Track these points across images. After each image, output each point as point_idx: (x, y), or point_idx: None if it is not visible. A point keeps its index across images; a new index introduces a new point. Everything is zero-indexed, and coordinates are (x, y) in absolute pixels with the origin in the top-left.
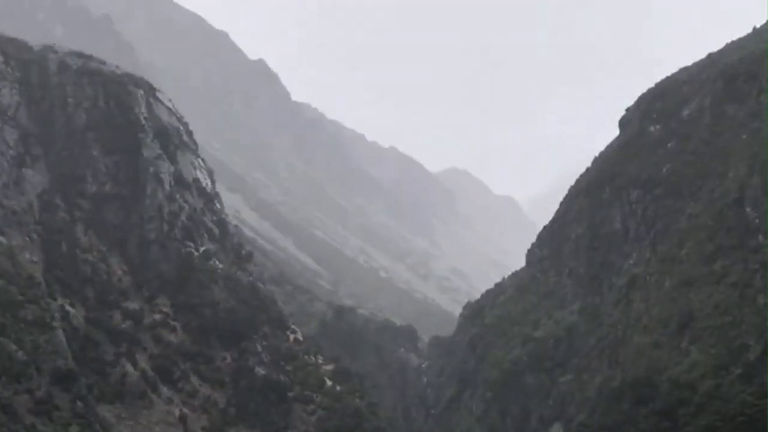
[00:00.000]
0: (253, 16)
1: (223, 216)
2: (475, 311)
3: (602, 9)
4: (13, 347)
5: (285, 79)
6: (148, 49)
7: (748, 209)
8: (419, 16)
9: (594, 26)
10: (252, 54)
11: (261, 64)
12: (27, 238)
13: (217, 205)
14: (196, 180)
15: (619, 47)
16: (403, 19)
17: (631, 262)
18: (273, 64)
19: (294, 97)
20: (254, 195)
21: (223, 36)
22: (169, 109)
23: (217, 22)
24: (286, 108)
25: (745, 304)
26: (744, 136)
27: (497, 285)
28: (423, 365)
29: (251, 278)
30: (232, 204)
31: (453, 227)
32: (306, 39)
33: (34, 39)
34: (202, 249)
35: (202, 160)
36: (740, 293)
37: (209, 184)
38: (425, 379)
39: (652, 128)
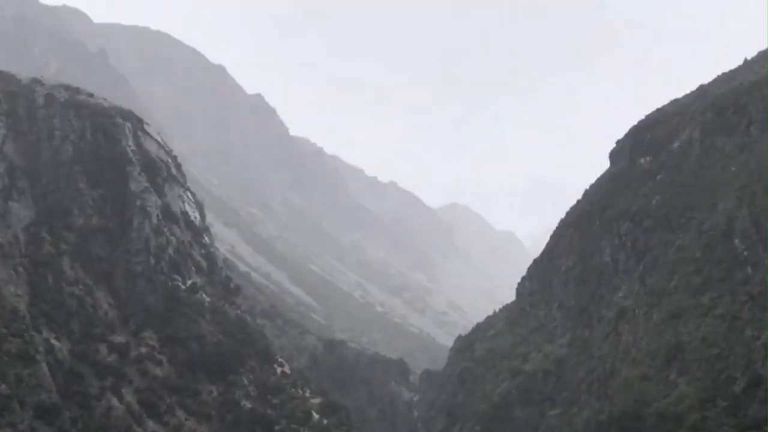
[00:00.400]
0: (252, 49)
1: (212, 249)
2: (465, 345)
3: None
4: None
5: (283, 114)
6: (145, 83)
7: (736, 241)
8: (423, 51)
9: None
10: (250, 88)
11: (258, 98)
12: (12, 272)
13: (206, 239)
14: (185, 213)
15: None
16: (406, 56)
17: (621, 294)
18: (271, 99)
19: (293, 132)
20: (250, 230)
21: (220, 70)
22: (157, 142)
23: (214, 56)
24: (283, 143)
25: (733, 336)
26: (733, 168)
27: (488, 318)
28: (414, 399)
29: (239, 312)
30: (227, 239)
31: (452, 262)
32: (305, 72)
33: (29, 73)
34: (189, 282)
35: (191, 193)
36: (728, 325)
37: (198, 217)
38: (416, 413)
39: (642, 160)
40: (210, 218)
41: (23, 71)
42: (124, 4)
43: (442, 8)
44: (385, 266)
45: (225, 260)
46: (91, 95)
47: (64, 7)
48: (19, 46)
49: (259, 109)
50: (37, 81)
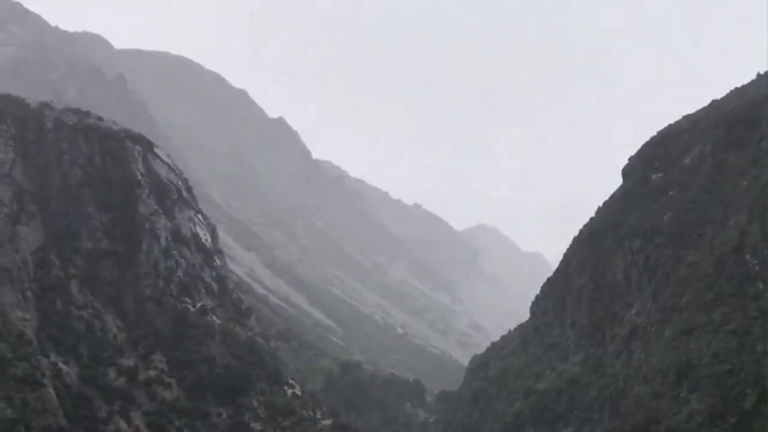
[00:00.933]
0: (273, 73)
1: (224, 272)
2: (480, 364)
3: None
4: (2, 405)
5: (306, 137)
6: (165, 108)
7: (747, 256)
8: (451, 76)
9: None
10: (272, 112)
11: (281, 121)
12: (20, 296)
13: (217, 261)
14: (195, 236)
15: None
16: (432, 82)
17: (633, 312)
18: (293, 122)
19: (316, 155)
20: (270, 253)
21: (242, 94)
22: (168, 165)
23: (236, 80)
24: (306, 166)
25: (744, 352)
26: (745, 183)
27: (503, 337)
28: (430, 420)
29: (251, 334)
30: (246, 262)
31: (477, 284)
32: (329, 96)
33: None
34: (198, 304)
35: (203, 216)
36: (739, 341)
37: (209, 239)
38: None
39: (654, 177)
40: (229, 242)
41: (41, 98)
42: (146, 29)
43: (453, 24)
44: (407, 288)
45: (240, 283)
46: (101, 119)
47: (84, 34)
48: (38, 72)
49: (281, 132)
50: (46, 105)
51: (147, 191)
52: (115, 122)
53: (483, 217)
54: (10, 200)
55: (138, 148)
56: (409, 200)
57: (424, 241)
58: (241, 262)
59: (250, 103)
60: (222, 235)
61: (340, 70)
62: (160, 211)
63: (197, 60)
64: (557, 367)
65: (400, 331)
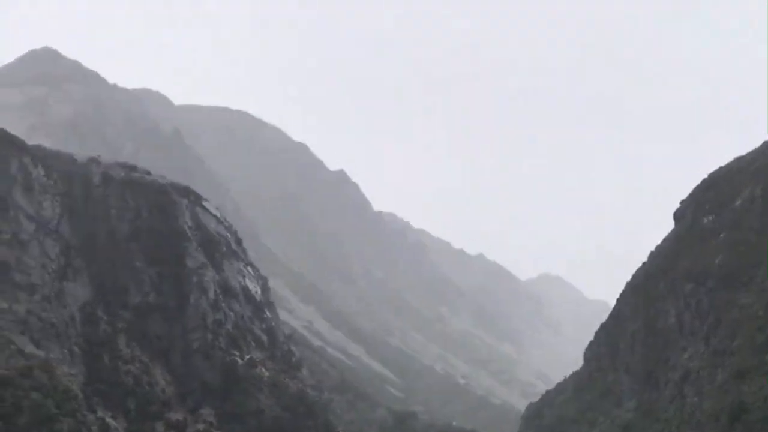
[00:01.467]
0: (334, 127)
1: (274, 324)
2: (534, 412)
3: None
4: None
5: (367, 189)
6: (225, 163)
7: None
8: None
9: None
10: (332, 164)
11: (341, 174)
12: (67, 351)
13: (267, 313)
14: (245, 288)
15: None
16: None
17: (686, 356)
18: (354, 174)
19: (377, 206)
20: (329, 305)
21: (302, 148)
22: (216, 217)
23: (296, 133)
24: (366, 217)
25: None
26: None
27: (558, 385)
28: None
29: (301, 386)
30: (304, 314)
31: (542, 333)
32: (391, 148)
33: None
34: (247, 357)
35: (253, 268)
36: None
37: (259, 292)
38: None
39: (705, 219)
40: (287, 294)
41: (97, 154)
42: (206, 85)
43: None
44: (469, 338)
45: (293, 335)
46: (148, 173)
47: (143, 90)
48: (94, 129)
49: (342, 184)
50: (93, 160)
51: (195, 244)
52: (162, 176)
53: (547, 266)
54: (57, 256)
55: (185, 201)
56: (471, 250)
57: (487, 291)
58: (299, 315)
59: (310, 156)
60: (280, 288)
61: (401, 123)
62: (209, 264)
63: (257, 114)
64: (611, 413)
65: (461, 381)
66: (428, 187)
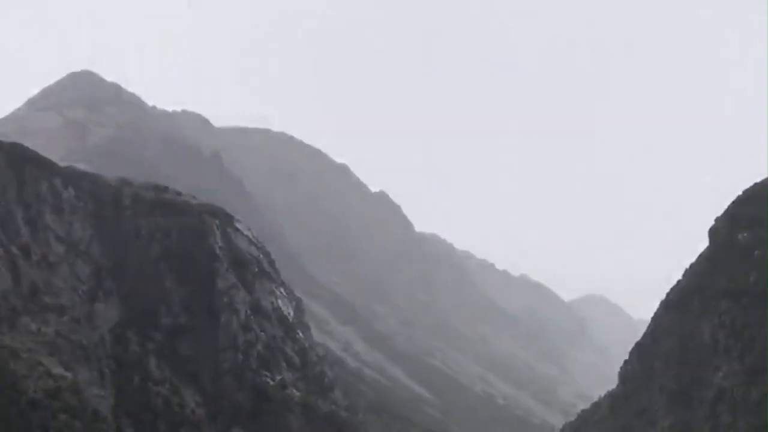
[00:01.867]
0: (375, 146)
1: (307, 345)
2: (569, 431)
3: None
4: None
5: (409, 210)
6: (265, 185)
7: None
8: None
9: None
10: (374, 186)
11: (383, 195)
12: (97, 373)
13: (300, 334)
14: (277, 309)
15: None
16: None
17: (720, 374)
18: (396, 195)
19: (420, 227)
20: (369, 326)
21: (343, 169)
22: (248, 238)
23: (338, 155)
24: (409, 239)
25: None
26: None
27: (593, 404)
28: None
29: (333, 407)
30: (342, 336)
31: (586, 354)
32: (435, 166)
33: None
34: (278, 378)
35: (285, 289)
36: None
37: (291, 313)
38: None
39: (740, 236)
40: (326, 316)
41: (137, 177)
42: (246, 107)
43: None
44: (512, 359)
45: (329, 356)
46: (179, 194)
47: (183, 113)
48: (133, 151)
49: (384, 205)
50: (124, 181)
51: (225, 265)
52: (193, 196)
53: (590, 286)
54: (88, 277)
55: (216, 222)
56: (515, 271)
57: (531, 312)
58: (338, 337)
59: (351, 177)
60: (319, 310)
61: (441, 140)
62: (239, 285)
63: (299, 136)
64: None
65: (501, 402)
66: (473, 207)
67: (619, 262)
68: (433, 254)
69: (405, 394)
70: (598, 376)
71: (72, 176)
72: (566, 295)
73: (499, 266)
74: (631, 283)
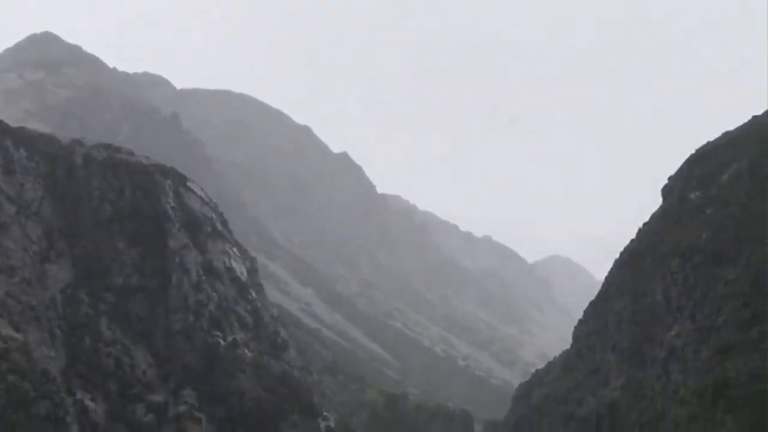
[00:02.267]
0: (338, 107)
1: (260, 305)
2: (524, 392)
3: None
4: None
5: (371, 171)
6: (226, 146)
7: None
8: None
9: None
10: (336, 147)
11: (344, 156)
12: (47, 334)
13: (253, 294)
14: (230, 269)
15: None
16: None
17: (672, 333)
18: (358, 156)
19: (382, 189)
20: (330, 288)
21: (305, 130)
22: (201, 198)
23: (300, 116)
24: (370, 200)
25: None
26: None
27: (548, 364)
28: None
29: (286, 367)
30: (302, 297)
31: (549, 315)
32: (396, 126)
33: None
34: (230, 338)
35: (240, 248)
36: None
37: (245, 273)
38: None
39: (692, 195)
40: (286, 277)
41: (95, 138)
42: (208, 69)
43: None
44: (474, 321)
45: (287, 317)
46: (132, 153)
47: (144, 74)
48: (92, 114)
49: (346, 166)
50: (77, 141)
51: (177, 225)
52: (146, 156)
53: (556, 248)
54: (39, 238)
55: (169, 182)
56: (479, 232)
57: (495, 274)
58: (297, 298)
59: (313, 137)
60: (279, 271)
61: (407, 101)
62: (191, 245)
63: (260, 97)
64: (598, 392)
65: (461, 363)
66: (435, 169)
67: (585, 222)
68: (396, 215)
69: (364, 355)
70: (561, 336)
71: (24, 137)
72: (530, 256)
73: (463, 227)
74: (596, 244)
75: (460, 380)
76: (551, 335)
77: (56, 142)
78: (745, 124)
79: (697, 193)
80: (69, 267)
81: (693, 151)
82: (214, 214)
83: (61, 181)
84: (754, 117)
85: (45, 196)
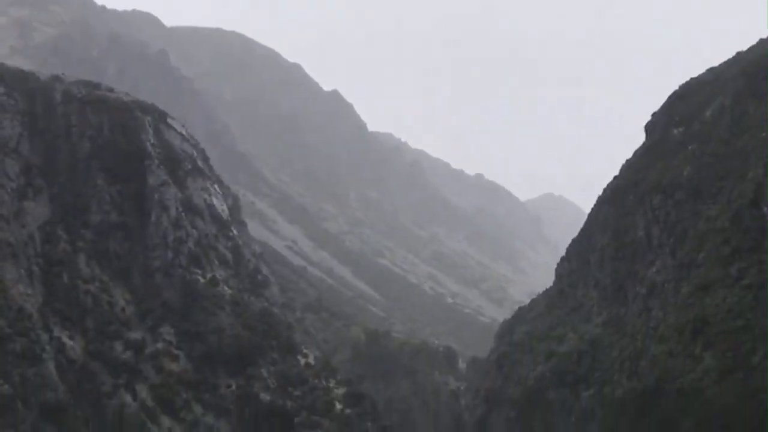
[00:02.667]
0: (328, 46)
1: (240, 242)
2: (506, 329)
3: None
4: None
5: (364, 109)
6: (217, 84)
7: (765, 209)
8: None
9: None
10: (327, 85)
11: (335, 94)
12: (23, 271)
13: (234, 231)
14: (210, 206)
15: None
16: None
17: (654, 269)
18: (350, 94)
19: (373, 127)
20: (317, 225)
21: (296, 68)
22: (181, 135)
23: (291, 54)
24: (361, 138)
25: (759, 307)
26: (763, 135)
27: (532, 301)
28: (461, 387)
29: (266, 304)
30: (290, 234)
31: (540, 253)
32: (390, 68)
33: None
34: (209, 275)
35: (220, 185)
36: (754, 296)
37: (226, 210)
38: (463, 402)
39: (675, 131)
40: (273, 214)
41: (82, 76)
42: (198, 6)
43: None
44: (464, 259)
45: (272, 254)
46: (111, 90)
47: (133, 12)
48: (78, 51)
49: (337, 104)
50: (56, 78)
51: (157, 162)
52: (126, 93)
53: (550, 186)
54: (17, 175)
55: (148, 118)
56: (471, 170)
57: (486, 212)
58: (284, 235)
59: (305, 76)
60: (266, 208)
61: (403, 42)
62: (171, 182)
63: (251, 35)
64: (580, 328)
65: (449, 301)
66: (428, 108)
67: (580, 160)
68: (387, 153)
69: (349, 293)
70: (551, 274)
71: (2, 74)
72: (523, 194)
73: (455, 165)
74: (590, 182)
75: (448, 318)
76: (543, 273)
77: (35, 79)
78: (728, 60)
79: (680, 129)
80: (47, 204)
81: (676, 88)
82: (195, 151)
83: (39, 118)
84: (738, 53)
85: (23, 133)
